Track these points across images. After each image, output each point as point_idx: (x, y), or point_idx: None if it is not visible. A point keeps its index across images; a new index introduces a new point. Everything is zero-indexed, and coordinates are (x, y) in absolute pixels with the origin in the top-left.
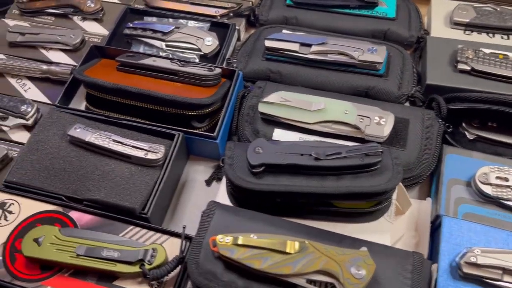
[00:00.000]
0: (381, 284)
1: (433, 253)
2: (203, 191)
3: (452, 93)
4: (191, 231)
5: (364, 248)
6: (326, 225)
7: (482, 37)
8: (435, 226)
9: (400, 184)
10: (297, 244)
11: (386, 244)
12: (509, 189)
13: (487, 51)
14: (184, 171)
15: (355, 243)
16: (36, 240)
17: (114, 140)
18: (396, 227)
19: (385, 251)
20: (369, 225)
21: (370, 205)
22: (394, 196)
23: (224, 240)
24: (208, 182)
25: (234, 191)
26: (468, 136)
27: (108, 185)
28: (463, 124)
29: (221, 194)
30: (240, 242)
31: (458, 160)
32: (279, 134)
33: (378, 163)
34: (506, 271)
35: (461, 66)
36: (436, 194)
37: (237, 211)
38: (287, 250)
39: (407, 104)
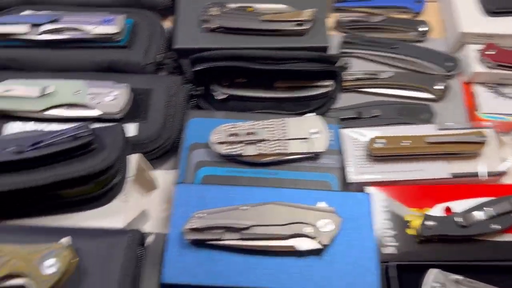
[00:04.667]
0: (88, 271)
1: None
2: None
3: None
4: None
5: (64, 239)
6: (56, 219)
7: None
8: None
9: (139, 157)
10: None
11: (115, 227)
12: (241, 144)
13: (234, 5)
14: None
15: (62, 233)
16: None
17: None
18: (135, 205)
19: (95, 236)
20: (102, 209)
21: (98, 188)
22: (132, 172)
23: None
24: None
25: None
26: (217, 96)
27: None
28: (213, 84)
29: None
30: None
31: (200, 123)
32: (11, 129)
33: (91, 143)
34: (227, 228)
35: (206, 24)
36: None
37: None
38: None
39: (164, 73)
